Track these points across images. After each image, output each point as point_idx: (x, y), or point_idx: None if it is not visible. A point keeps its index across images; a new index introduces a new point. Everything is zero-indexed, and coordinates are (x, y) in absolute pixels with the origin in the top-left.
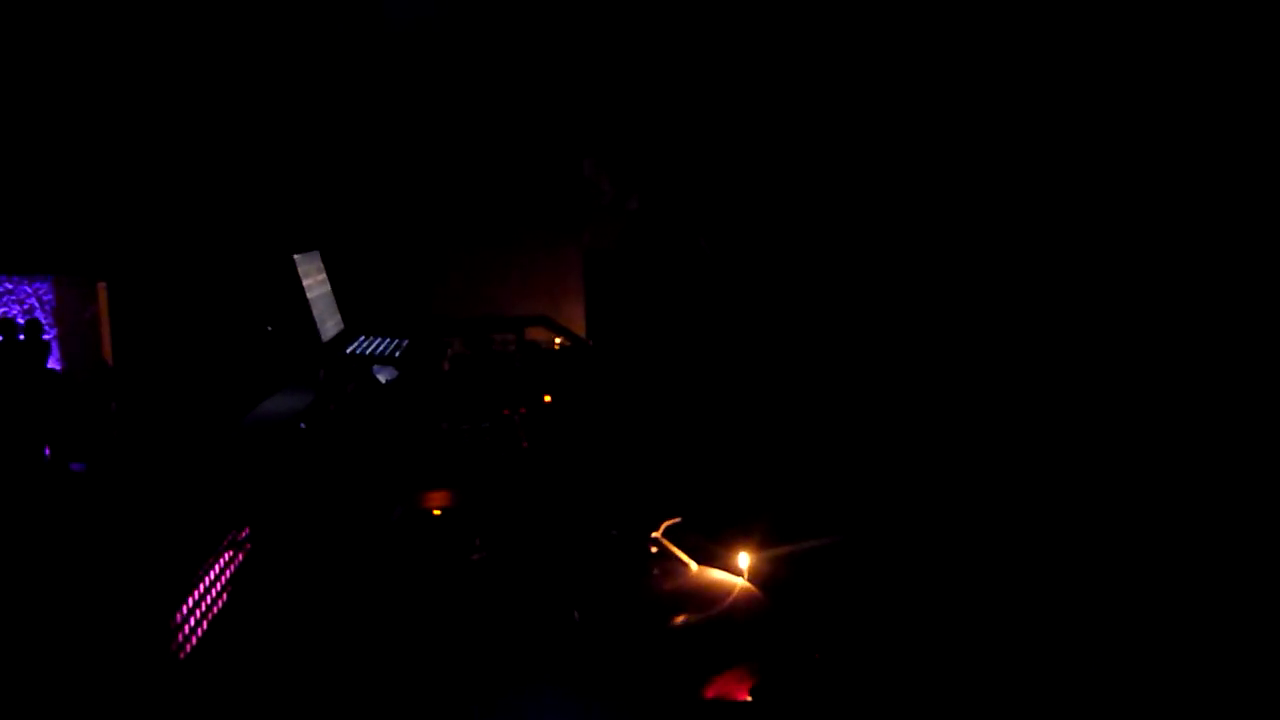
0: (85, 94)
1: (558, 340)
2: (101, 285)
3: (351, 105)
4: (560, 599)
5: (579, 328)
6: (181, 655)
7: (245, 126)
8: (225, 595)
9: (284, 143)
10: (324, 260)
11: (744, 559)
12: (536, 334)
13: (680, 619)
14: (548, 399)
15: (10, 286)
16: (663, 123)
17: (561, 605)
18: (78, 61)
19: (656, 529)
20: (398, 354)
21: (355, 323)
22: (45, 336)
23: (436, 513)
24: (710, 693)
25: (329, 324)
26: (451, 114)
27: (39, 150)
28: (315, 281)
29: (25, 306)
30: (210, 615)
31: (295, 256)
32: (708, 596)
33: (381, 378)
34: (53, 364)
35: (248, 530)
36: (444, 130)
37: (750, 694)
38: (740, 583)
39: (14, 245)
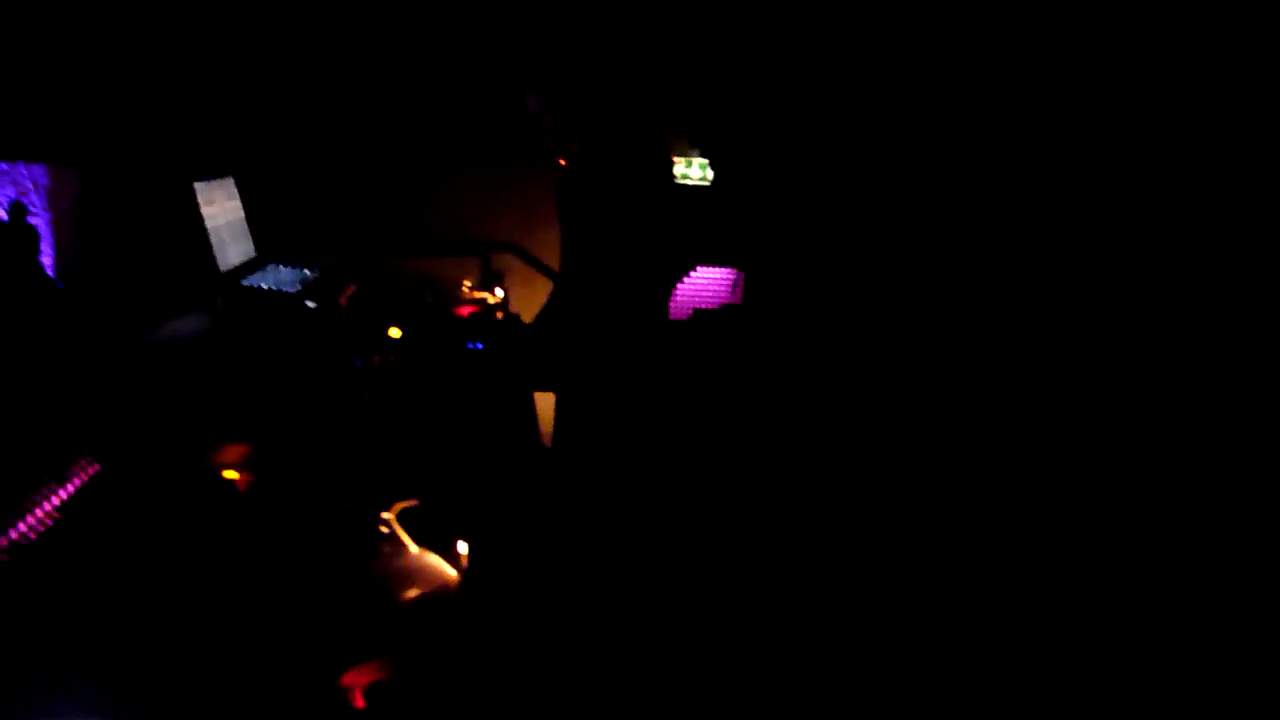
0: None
1: (473, 291)
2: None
3: (284, 26)
4: (262, 573)
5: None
6: None
7: (183, 50)
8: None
9: (217, 65)
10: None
11: (464, 547)
12: (504, 260)
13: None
14: (394, 332)
15: (5, 168)
16: (611, 60)
17: (257, 581)
18: None
19: (391, 509)
20: (297, 286)
21: (271, 250)
22: (36, 220)
23: (230, 474)
24: (346, 680)
25: (233, 251)
26: (401, 29)
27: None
28: (223, 209)
29: (20, 189)
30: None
31: (197, 184)
32: (414, 580)
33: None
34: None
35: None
36: (400, 51)
37: (363, 693)
38: (452, 571)
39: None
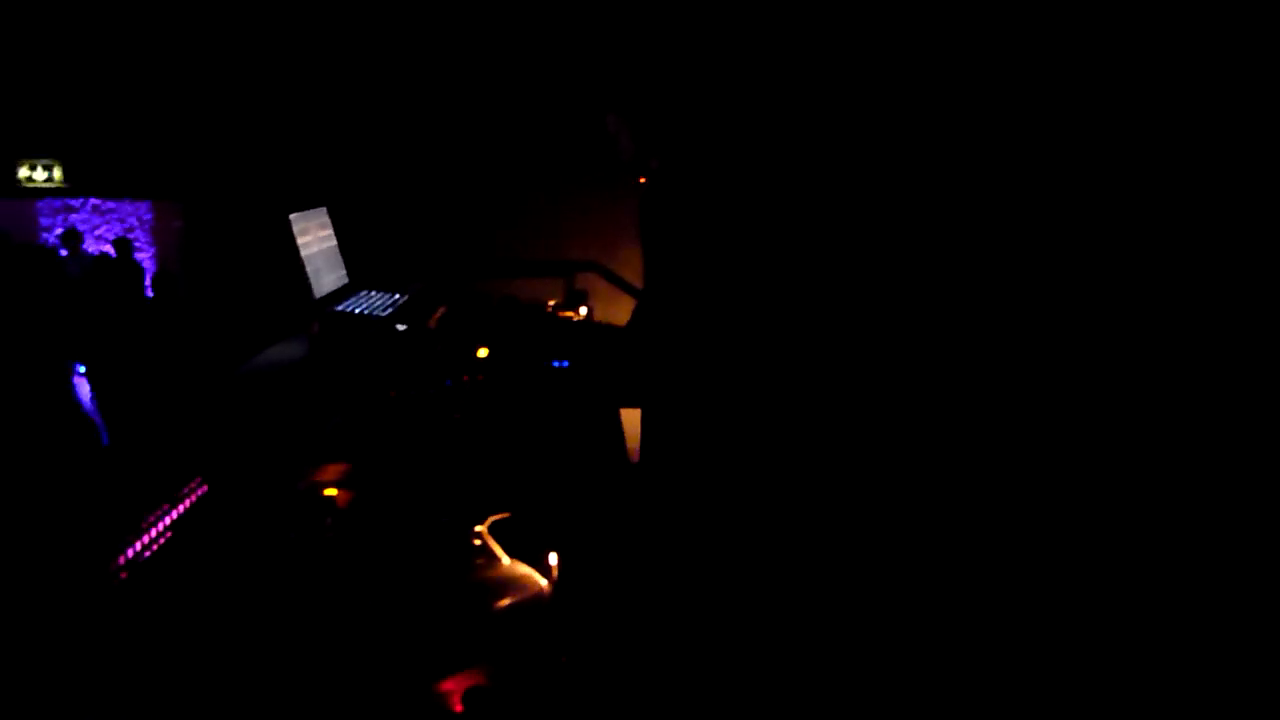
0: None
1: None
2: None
3: (372, 63)
4: (363, 584)
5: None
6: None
7: (276, 90)
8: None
9: (308, 103)
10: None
11: (554, 557)
12: (588, 279)
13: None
14: (483, 352)
15: (113, 206)
16: (688, 81)
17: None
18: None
19: (484, 522)
20: (388, 310)
21: (363, 277)
22: (141, 255)
23: (330, 492)
24: (444, 686)
25: (328, 279)
26: (491, 59)
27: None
28: (317, 239)
29: (126, 225)
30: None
31: (293, 216)
32: (507, 589)
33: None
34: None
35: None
36: (482, 80)
37: (461, 698)
38: (544, 581)
39: (107, 173)
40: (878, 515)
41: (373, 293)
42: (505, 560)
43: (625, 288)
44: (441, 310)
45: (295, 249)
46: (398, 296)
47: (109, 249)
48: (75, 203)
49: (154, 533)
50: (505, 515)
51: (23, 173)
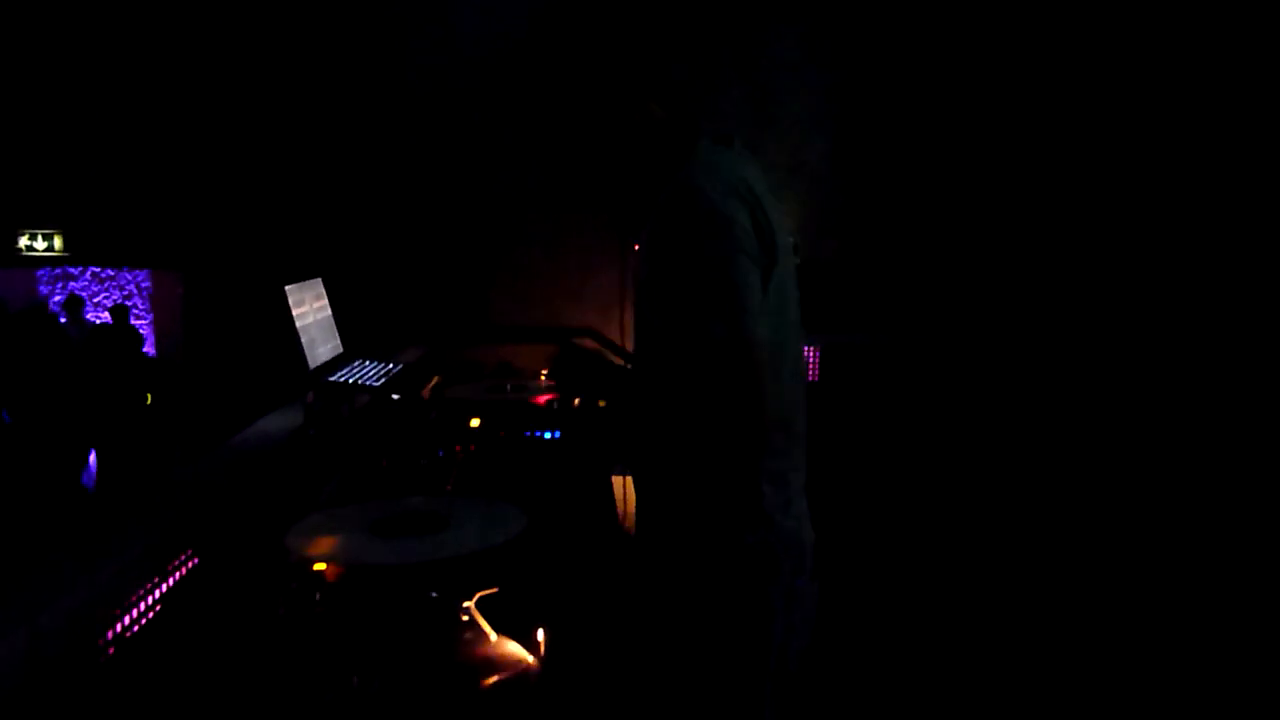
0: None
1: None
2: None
3: (365, 137)
4: (349, 662)
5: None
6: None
7: (273, 165)
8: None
9: (304, 177)
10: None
11: (541, 634)
12: (584, 346)
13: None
14: (475, 422)
15: (112, 274)
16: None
17: (345, 668)
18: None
19: (471, 597)
20: (381, 380)
21: (357, 346)
22: (140, 323)
23: (319, 566)
24: None
25: (323, 349)
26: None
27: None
28: (312, 309)
29: (125, 292)
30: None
31: (288, 287)
32: (494, 667)
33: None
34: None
35: (192, 555)
36: (474, 148)
37: None
38: (530, 658)
39: (105, 242)
40: (881, 582)
41: (367, 362)
42: (493, 637)
43: (622, 354)
44: (435, 380)
45: (290, 320)
46: (391, 366)
47: (106, 316)
48: (74, 270)
49: (143, 607)
50: (493, 590)
51: (23, 242)
